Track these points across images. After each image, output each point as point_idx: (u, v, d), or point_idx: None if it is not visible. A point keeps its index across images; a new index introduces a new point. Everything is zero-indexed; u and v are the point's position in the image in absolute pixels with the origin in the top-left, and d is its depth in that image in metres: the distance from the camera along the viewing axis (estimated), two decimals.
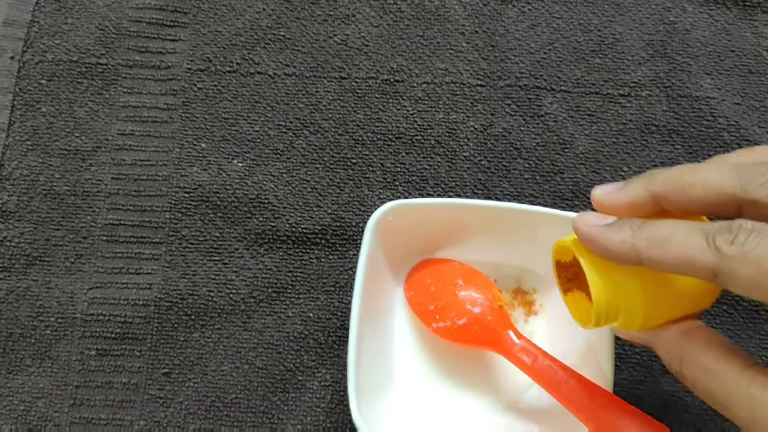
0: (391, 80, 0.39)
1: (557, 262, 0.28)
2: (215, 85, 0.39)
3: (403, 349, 0.35)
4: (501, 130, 0.38)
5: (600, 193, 0.25)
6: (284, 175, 0.37)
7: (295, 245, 0.36)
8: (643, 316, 0.24)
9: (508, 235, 0.34)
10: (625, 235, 0.23)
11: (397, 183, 0.38)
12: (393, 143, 0.38)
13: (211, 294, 0.36)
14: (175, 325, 0.35)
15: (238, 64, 0.39)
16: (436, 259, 0.35)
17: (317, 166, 0.38)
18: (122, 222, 0.36)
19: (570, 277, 0.28)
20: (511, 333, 0.32)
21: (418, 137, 0.38)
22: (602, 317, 0.24)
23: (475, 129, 0.38)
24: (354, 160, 0.38)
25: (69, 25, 0.39)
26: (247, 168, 0.37)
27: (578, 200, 0.38)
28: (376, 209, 0.32)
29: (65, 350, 0.35)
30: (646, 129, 0.39)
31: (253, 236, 0.36)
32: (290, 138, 0.38)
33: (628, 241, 0.22)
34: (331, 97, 0.39)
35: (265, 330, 0.35)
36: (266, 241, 0.36)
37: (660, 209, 0.24)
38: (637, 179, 0.24)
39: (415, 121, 0.38)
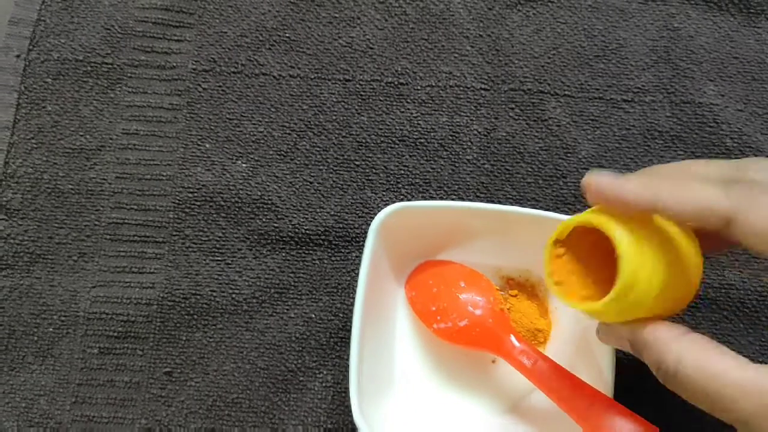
0: (396, 83, 0.39)
1: (554, 248, 0.27)
2: (220, 86, 0.39)
3: (405, 350, 0.35)
4: (504, 134, 0.38)
5: (606, 181, 0.24)
6: (288, 176, 0.37)
7: (298, 246, 0.37)
8: (657, 291, 0.24)
9: (510, 239, 0.34)
10: (644, 181, 0.23)
11: (400, 185, 0.38)
12: (396, 146, 0.38)
13: (214, 294, 0.36)
14: (178, 325, 0.35)
15: (242, 65, 0.39)
16: (439, 261, 0.35)
17: (321, 167, 0.38)
18: (126, 221, 0.36)
19: (567, 264, 0.27)
20: (511, 336, 0.32)
21: (422, 140, 0.38)
22: (628, 286, 0.24)
23: (479, 132, 0.38)
24: (357, 162, 0.38)
25: (75, 25, 0.39)
26: (251, 169, 0.37)
27: (580, 204, 0.38)
28: (379, 211, 0.32)
29: (67, 348, 0.35)
30: (649, 135, 0.39)
31: (256, 237, 0.37)
32: (294, 139, 0.38)
33: (648, 186, 0.23)
34: (335, 99, 0.39)
35: (267, 330, 0.35)
36: (269, 241, 0.37)
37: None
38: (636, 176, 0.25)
39: (419, 124, 0.38)
